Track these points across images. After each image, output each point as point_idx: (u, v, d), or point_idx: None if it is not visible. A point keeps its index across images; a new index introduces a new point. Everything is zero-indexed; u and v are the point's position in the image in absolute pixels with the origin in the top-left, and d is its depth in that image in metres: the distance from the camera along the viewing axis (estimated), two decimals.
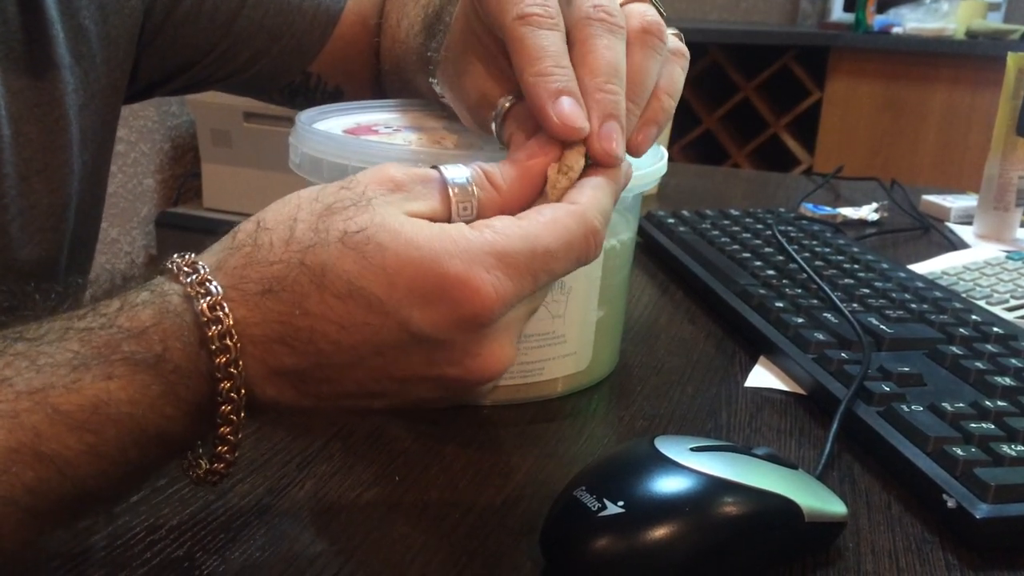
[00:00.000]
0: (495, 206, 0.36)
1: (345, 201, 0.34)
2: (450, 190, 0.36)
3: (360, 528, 0.40)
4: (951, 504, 0.41)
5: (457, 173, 0.36)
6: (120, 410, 0.31)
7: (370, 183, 0.35)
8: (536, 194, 0.37)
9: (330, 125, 0.53)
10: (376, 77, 0.67)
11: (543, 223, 0.35)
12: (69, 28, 0.53)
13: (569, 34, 0.38)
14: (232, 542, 0.38)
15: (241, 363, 0.33)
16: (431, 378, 0.35)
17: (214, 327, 0.32)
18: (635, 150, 0.40)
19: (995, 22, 2.79)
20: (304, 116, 0.52)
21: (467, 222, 0.35)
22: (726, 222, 0.85)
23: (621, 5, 0.40)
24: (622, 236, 0.52)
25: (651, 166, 0.50)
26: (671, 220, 0.85)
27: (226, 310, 0.32)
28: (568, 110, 0.36)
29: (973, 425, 0.46)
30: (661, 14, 0.41)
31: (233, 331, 0.32)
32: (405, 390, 0.35)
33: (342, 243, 0.33)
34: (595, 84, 0.37)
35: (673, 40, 0.43)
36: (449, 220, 0.35)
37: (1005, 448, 0.44)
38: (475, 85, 0.43)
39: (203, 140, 2.22)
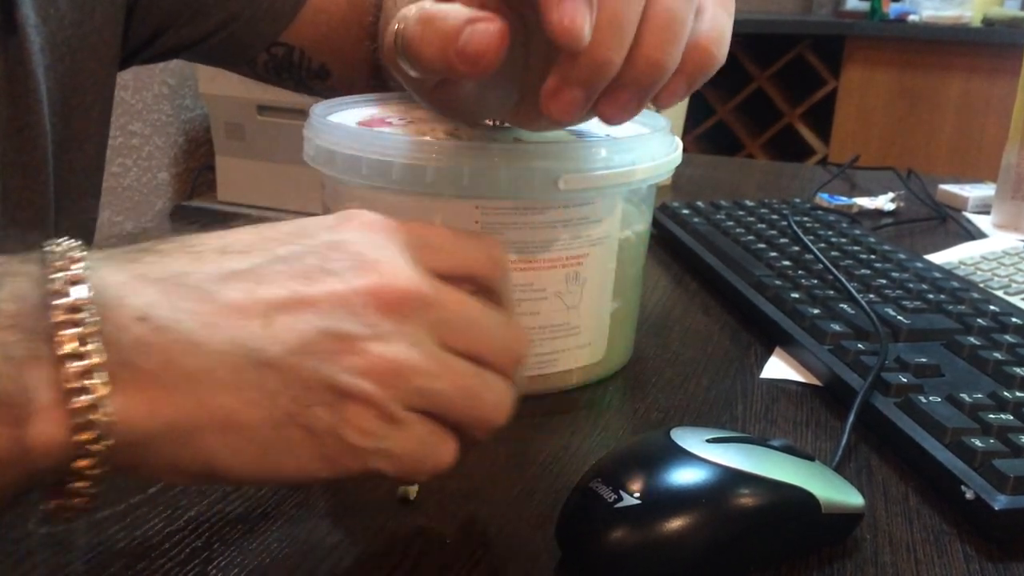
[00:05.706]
0: None
1: None
2: None
3: (376, 519, 0.40)
4: (969, 495, 0.41)
5: None
6: None
7: None
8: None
9: (344, 117, 0.53)
10: (373, 62, 0.66)
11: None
12: None
13: None
14: (250, 533, 0.38)
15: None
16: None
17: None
18: (658, 104, 0.37)
19: (1013, 10, 2.76)
20: (318, 108, 0.52)
21: None
22: (741, 213, 0.84)
23: None
24: (637, 227, 0.52)
25: (665, 156, 0.50)
26: (685, 211, 0.85)
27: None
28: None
29: (991, 416, 0.46)
30: None
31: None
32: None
33: None
34: None
35: None
36: None
37: None
38: None
39: (217, 133, 2.22)
